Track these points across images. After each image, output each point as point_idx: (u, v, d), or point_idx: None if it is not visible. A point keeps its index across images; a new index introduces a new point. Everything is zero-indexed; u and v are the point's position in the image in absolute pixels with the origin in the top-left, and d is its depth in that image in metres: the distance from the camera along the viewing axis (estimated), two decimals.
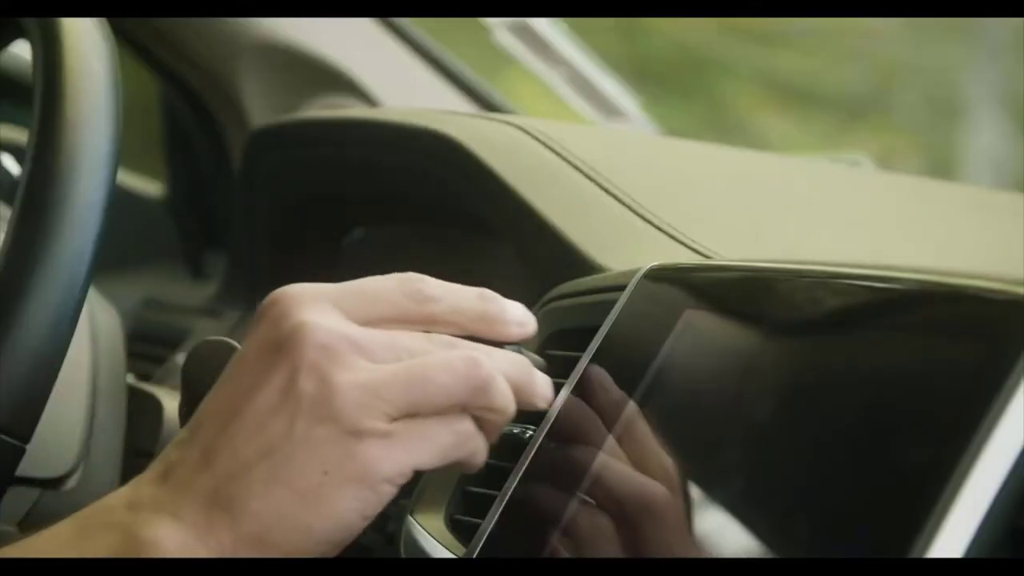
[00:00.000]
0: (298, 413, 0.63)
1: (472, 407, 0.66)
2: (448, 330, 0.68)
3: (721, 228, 0.96)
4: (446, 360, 0.66)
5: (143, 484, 0.65)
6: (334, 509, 0.63)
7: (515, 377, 0.68)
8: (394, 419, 0.64)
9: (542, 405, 0.70)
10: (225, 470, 0.64)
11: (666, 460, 0.70)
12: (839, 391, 0.64)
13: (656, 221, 0.95)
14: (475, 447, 0.67)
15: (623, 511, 0.69)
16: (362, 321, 0.66)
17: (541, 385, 0.70)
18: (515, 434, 0.78)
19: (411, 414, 0.65)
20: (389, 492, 0.64)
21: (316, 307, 0.65)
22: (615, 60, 2.01)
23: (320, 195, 1.24)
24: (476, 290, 0.70)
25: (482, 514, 0.75)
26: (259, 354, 0.65)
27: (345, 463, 0.63)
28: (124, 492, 0.65)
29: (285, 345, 0.64)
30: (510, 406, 0.67)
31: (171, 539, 0.63)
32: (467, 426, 0.67)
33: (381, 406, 0.64)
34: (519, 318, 0.70)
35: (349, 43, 1.53)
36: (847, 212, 1.07)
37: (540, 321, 0.86)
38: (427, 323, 0.68)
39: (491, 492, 0.76)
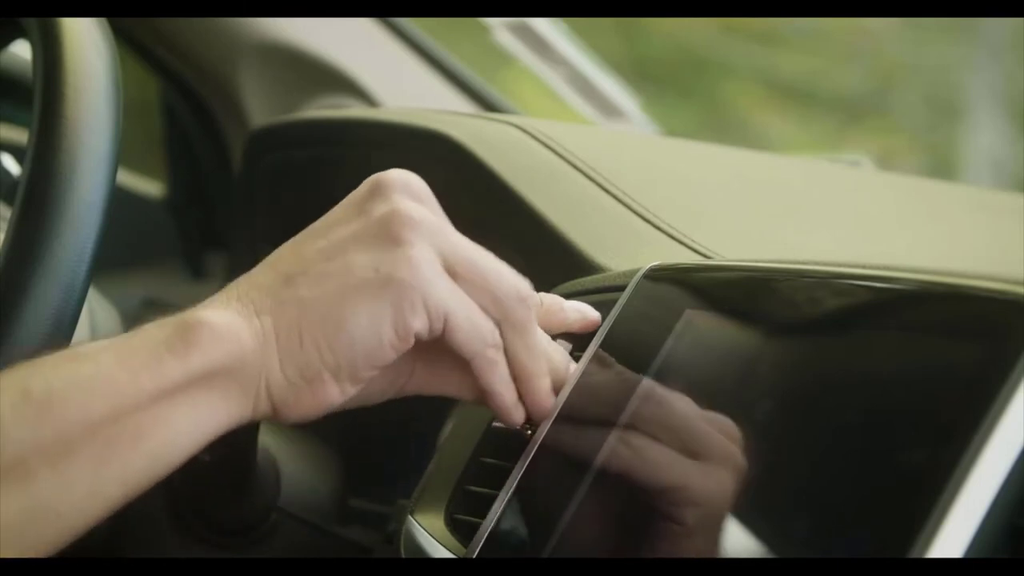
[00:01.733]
0: (368, 226, 0.69)
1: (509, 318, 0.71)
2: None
3: (721, 228, 0.96)
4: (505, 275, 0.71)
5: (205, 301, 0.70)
6: (367, 310, 0.67)
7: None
8: (446, 266, 0.69)
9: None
10: (286, 268, 0.69)
11: (666, 459, 0.70)
12: (839, 391, 0.64)
13: (656, 221, 0.95)
14: (492, 359, 0.71)
15: (623, 510, 0.70)
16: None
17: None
18: (515, 433, 0.78)
19: (462, 279, 0.70)
20: (417, 320, 0.68)
21: (416, 202, 0.72)
22: (615, 60, 2.02)
23: (320, 195, 1.24)
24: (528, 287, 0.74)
25: (482, 514, 0.75)
26: (348, 207, 0.72)
27: (395, 268, 0.67)
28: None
29: (377, 209, 0.70)
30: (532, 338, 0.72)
31: (219, 316, 0.67)
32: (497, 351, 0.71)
33: (441, 245, 0.69)
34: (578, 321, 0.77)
35: (349, 43, 1.53)
36: (847, 212, 1.07)
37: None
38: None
39: (491, 492, 0.76)
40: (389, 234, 0.68)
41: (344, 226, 0.70)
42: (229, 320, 0.67)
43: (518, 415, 0.74)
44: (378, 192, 0.71)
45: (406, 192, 0.71)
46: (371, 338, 0.68)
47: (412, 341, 0.69)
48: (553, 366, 0.74)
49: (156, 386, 0.66)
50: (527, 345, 0.72)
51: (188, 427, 0.67)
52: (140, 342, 0.67)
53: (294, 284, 0.68)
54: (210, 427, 0.67)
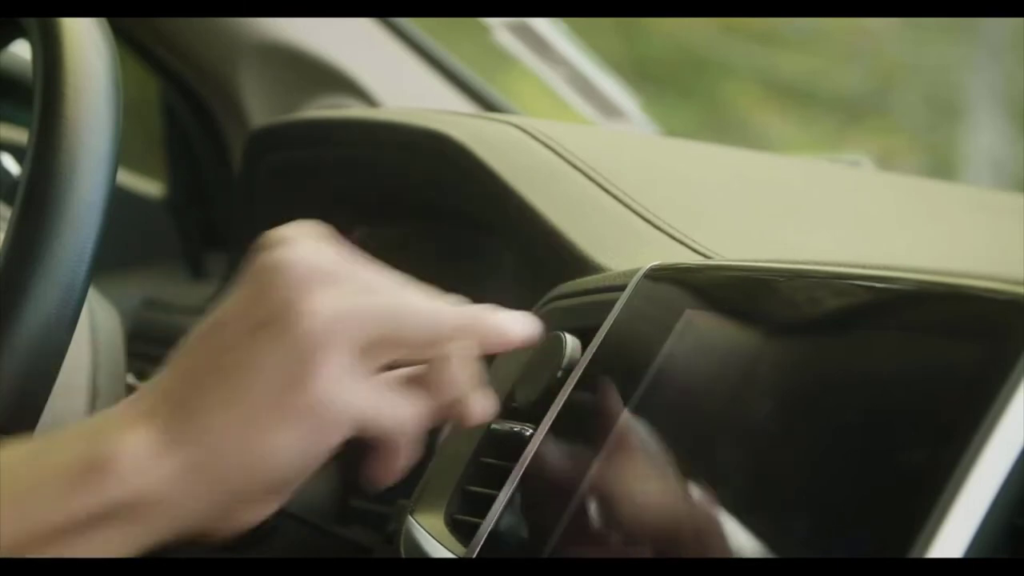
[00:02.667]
0: (269, 333, 0.63)
1: (448, 347, 0.66)
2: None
3: (721, 228, 0.96)
4: (425, 299, 0.66)
5: (119, 405, 0.66)
6: (283, 438, 0.63)
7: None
8: (364, 356, 0.64)
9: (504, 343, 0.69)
10: (190, 389, 0.64)
11: (666, 459, 0.70)
12: (839, 391, 0.65)
13: (656, 221, 0.95)
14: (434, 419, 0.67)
15: (622, 510, 0.70)
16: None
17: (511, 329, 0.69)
18: (515, 433, 0.78)
19: (381, 350, 0.64)
20: (337, 435, 0.63)
21: (307, 242, 0.66)
22: (615, 60, 2.01)
23: (320, 195, 1.24)
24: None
25: (482, 514, 0.75)
26: (245, 283, 0.66)
27: (298, 396, 0.62)
28: (102, 413, 0.66)
29: (270, 273, 0.65)
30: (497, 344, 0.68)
31: (127, 455, 0.63)
32: (426, 402, 0.66)
33: (350, 340, 0.63)
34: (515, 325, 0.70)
35: (349, 43, 1.53)
36: (847, 212, 1.07)
37: (540, 321, 0.86)
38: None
39: (491, 492, 0.76)
40: (296, 345, 0.63)
41: (246, 325, 0.65)
42: (138, 454, 0.63)
43: None
44: (274, 281, 0.65)
45: (303, 264, 0.65)
46: (289, 465, 0.64)
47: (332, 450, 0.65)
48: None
49: (62, 523, 0.62)
50: (448, 382, 0.67)
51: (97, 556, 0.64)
52: (50, 471, 0.63)
53: (203, 409, 0.63)
54: (120, 556, 0.64)
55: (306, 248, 0.66)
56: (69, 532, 0.62)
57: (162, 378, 0.66)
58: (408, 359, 0.66)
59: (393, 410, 0.65)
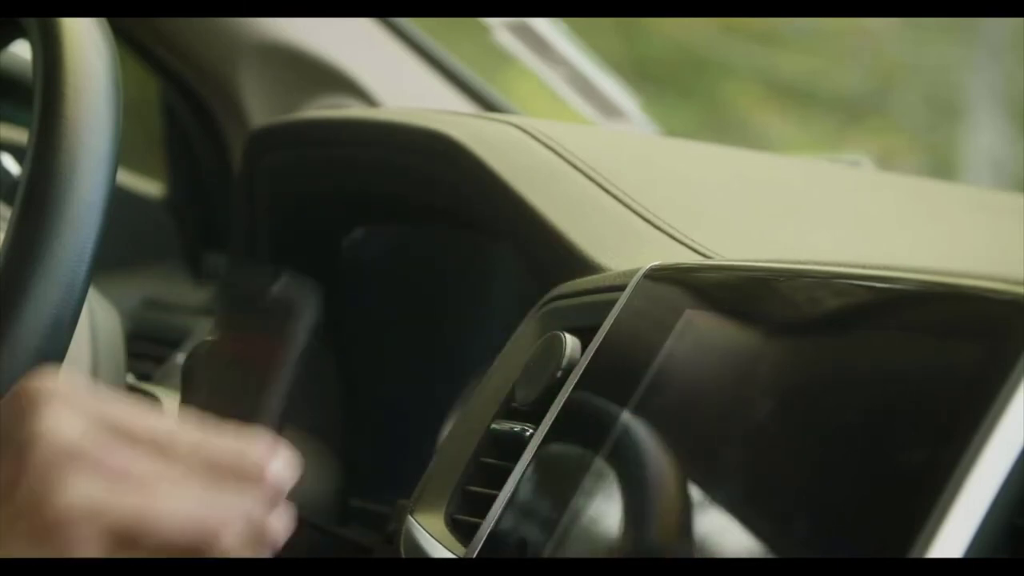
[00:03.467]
0: (13, 527, 0.60)
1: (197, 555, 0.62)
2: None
3: (721, 228, 0.96)
4: (179, 499, 0.61)
5: None
6: None
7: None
8: (113, 545, 0.60)
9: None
10: None
11: (666, 458, 0.70)
12: (839, 391, 0.65)
13: (656, 221, 0.95)
14: None
15: (620, 510, 0.69)
16: (112, 432, 0.62)
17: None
18: (515, 433, 0.78)
19: (132, 546, 0.61)
20: None
21: (61, 410, 0.62)
22: (615, 60, 2.01)
23: (320, 195, 1.24)
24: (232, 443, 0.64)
25: (482, 514, 0.75)
26: None
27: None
28: None
29: (19, 446, 0.61)
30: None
31: None
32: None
33: (97, 532, 0.60)
34: (279, 473, 0.64)
35: (349, 43, 1.53)
36: (847, 212, 1.07)
37: (540, 321, 0.86)
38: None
39: (491, 492, 0.76)
40: (45, 539, 0.59)
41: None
42: None
43: None
44: (23, 457, 0.60)
45: (56, 441, 0.60)
46: None
47: None
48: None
49: None
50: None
51: None
52: None
53: None
54: None
55: (61, 418, 0.61)
56: None
57: None
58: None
59: None
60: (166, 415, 0.63)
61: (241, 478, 0.63)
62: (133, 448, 0.62)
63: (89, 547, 0.60)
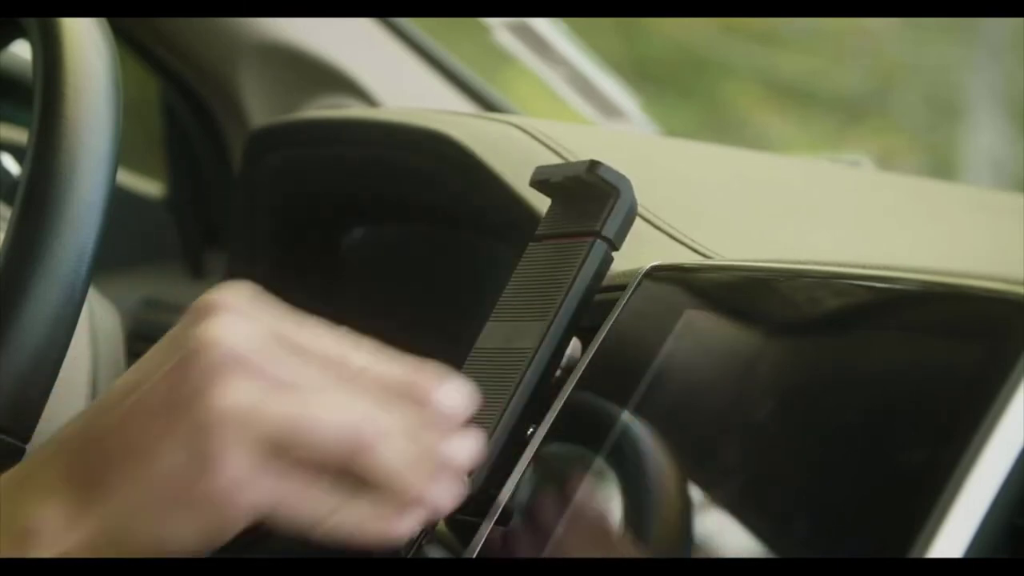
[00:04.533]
0: (173, 419, 0.62)
1: (352, 468, 0.63)
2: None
3: (721, 228, 0.96)
4: (337, 414, 0.63)
5: (33, 461, 0.66)
6: (180, 525, 0.63)
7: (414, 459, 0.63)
8: (265, 455, 0.62)
9: (436, 512, 0.65)
10: (97, 463, 0.64)
11: (666, 458, 0.70)
12: (839, 391, 0.65)
13: (656, 221, 0.95)
14: (340, 521, 0.64)
15: (620, 510, 0.69)
16: (278, 350, 0.64)
17: (440, 488, 0.64)
18: (515, 433, 0.78)
19: (285, 452, 0.62)
20: (234, 526, 0.63)
21: (235, 319, 0.64)
22: (615, 60, 2.02)
23: (320, 195, 1.24)
24: (410, 368, 0.65)
25: (482, 514, 0.75)
26: (164, 350, 0.65)
27: (199, 485, 0.62)
28: (15, 469, 0.66)
29: (187, 350, 0.63)
30: (393, 483, 0.63)
31: (47, 525, 0.64)
32: (335, 499, 0.64)
33: (251, 437, 0.62)
34: (448, 405, 0.64)
35: (349, 43, 1.53)
36: (847, 212, 1.07)
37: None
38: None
39: (491, 492, 0.76)
40: (196, 435, 0.62)
41: (155, 401, 0.63)
42: (56, 525, 0.64)
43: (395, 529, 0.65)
44: (189, 361, 0.63)
45: (222, 347, 0.63)
46: (184, 549, 0.64)
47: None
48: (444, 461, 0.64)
49: None
50: (386, 476, 0.63)
51: None
52: None
53: (107, 487, 0.63)
54: None
55: (232, 327, 0.63)
56: None
57: (73, 436, 0.65)
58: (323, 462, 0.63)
59: (301, 505, 0.63)
60: (340, 337, 0.65)
61: (408, 398, 0.64)
62: (300, 361, 0.64)
63: (240, 451, 0.61)
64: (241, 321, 0.64)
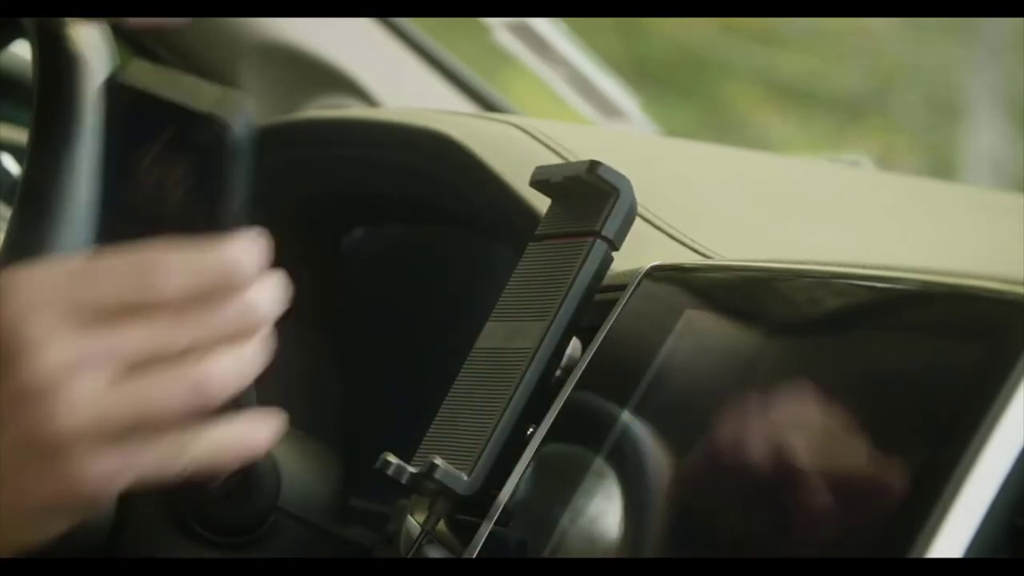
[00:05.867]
0: (8, 431, 0.61)
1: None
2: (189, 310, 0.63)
3: (721, 228, 0.96)
4: (169, 381, 0.62)
5: None
6: (33, 529, 0.63)
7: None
8: (109, 441, 0.62)
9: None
10: None
11: (666, 458, 0.70)
12: (839, 391, 0.64)
13: (656, 221, 0.95)
14: (197, 456, 0.64)
15: (619, 510, 0.69)
16: (91, 314, 0.62)
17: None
18: (516, 433, 0.78)
19: (124, 435, 0.62)
20: (101, 506, 0.64)
21: (40, 312, 0.62)
22: (615, 60, 2.01)
23: (320, 195, 1.24)
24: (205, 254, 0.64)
25: (482, 514, 0.75)
26: None
27: (49, 489, 0.61)
28: None
29: (5, 359, 0.62)
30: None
31: None
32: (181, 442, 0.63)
33: (92, 431, 0.61)
34: (243, 254, 0.65)
35: (349, 43, 1.53)
36: (847, 212, 1.07)
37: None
38: (163, 311, 0.63)
39: (491, 492, 0.76)
40: (42, 446, 0.61)
41: None
42: None
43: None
44: (18, 374, 0.61)
45: (48, 353, 0.61)
46: (46, 540, 0.63)
47: None
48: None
49: None
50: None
51: None
52: None
53: None
54: None
55: (34, 324, 0.62)
56: None
57: None
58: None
59: (153, 464, 0.63)
60: (132, 270, 0.62)
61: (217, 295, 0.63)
62: (115, 325, 0.62)
63: (102, 462, 0.61)
64: (39, 311, 0.62)
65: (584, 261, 0.79)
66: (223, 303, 0.63)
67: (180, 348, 0.62)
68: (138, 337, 0.62)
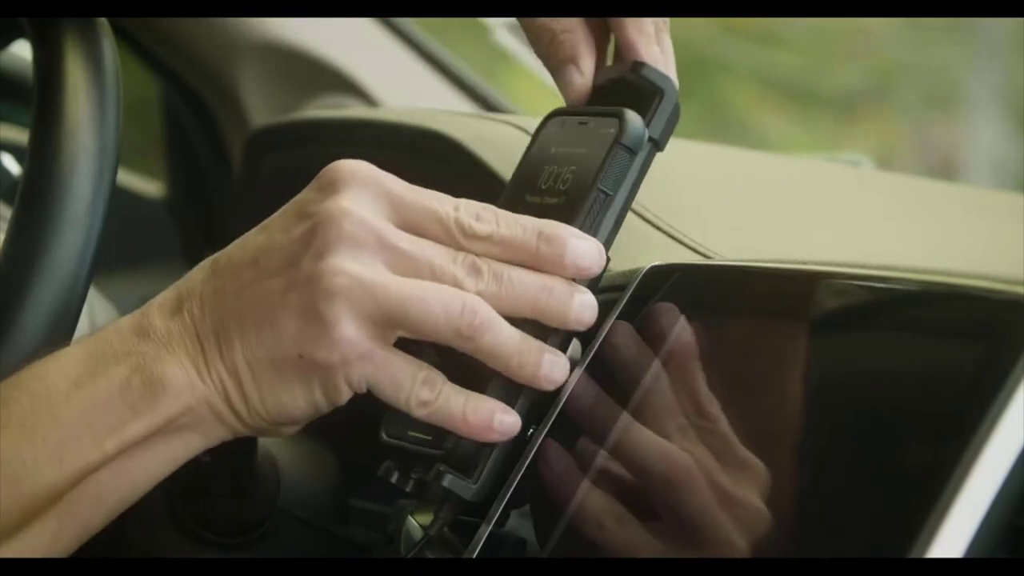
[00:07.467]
0: (297, 284, 0.66)
1: (458, 346, 0.68)
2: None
3: (721, 228, 0.96)
4: (447, 297, 0.67)
5: (155, 313, 0.69)
6: (294, 388, 0.67)
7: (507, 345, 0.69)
8: (377, 327, 0.66)
9: (543, 385, 0.70)
10: (224, 319, 0.68)
11: (666, 458, 0.70)
12: (839, 390, 0.64)
13: (656, 221, 0.95)
14: (444, 404, 0.69)
15: (622, 510, 0.69)
16: (402, 225, 0.68)
17: (545, 368, 0.70)
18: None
19: (394, 329, 0.67)
20: (343, 396, 0.68)
21: (363, 193, 0.68)
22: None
23: None
24: (537, 227, 0.70)
25: (482, 514, 0.75)
26: (293, 217, 0.69)
27: (312, 350, 0.66)
28: (136, 318, 0.70)
29: (316, 219, 0.67)
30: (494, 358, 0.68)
31: (177, 377, 0.68)
32: (440, 381, 0.68)
33: (368, 310, 0.66)
34: (582, 261, 0.70)
35: (349, 43, 1.53)
36: (847, 212, 1.07)
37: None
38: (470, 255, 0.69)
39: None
40: (314, 302, 0.66)
41: (280, 261, 0.68)
42: (185, 377, 0.68)
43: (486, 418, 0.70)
44: (316, 230, 0.68)
45: (349, 221, 0.67)
46: (303, 408, 0.69)
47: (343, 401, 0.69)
48: (541, 310, 0.70)
49: (119, 446, 0.67)
50: (487, 349, 0.69)
51: (148, 475, 0.69)
52: (103, 394, 0.67)
53: (232, 345, 0.68)
54: (169, 469, 0.70)
55: (358, 200, 0.67)
56: (125, 453, 0.67)
57: (199, 288, 0.69)
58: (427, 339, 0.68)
59: (405, 383, 0.67)
60: (462, 206, 0.69)
61: (534, 260, 0.69)
62: (423, 237, 0.68)
63: (352, 322, 0.66)
64: (367, 195, 0.68)
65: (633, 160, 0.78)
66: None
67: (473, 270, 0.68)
68: (436, 254, 0.67)
